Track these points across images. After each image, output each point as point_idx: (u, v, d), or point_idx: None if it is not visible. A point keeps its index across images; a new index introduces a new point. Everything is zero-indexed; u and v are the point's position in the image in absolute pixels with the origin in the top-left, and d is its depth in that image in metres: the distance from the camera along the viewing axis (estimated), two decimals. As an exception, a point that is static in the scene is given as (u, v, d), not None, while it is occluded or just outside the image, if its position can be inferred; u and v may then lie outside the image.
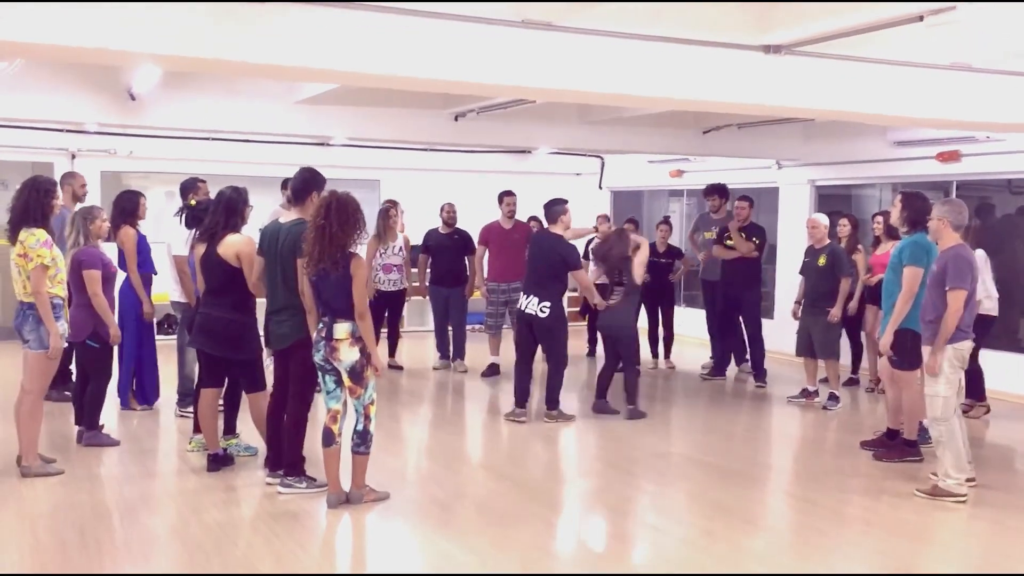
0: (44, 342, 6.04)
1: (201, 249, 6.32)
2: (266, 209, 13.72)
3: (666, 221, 11.45)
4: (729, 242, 10.02)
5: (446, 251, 10.59)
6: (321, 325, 5.52)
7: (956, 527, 5.71)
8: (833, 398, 8.86)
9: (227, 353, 6.28)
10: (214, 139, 11.93)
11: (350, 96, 8.78)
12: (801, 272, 9.22)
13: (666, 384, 10.36)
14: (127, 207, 7.81)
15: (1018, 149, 9.36)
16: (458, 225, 10.73)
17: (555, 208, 8.26)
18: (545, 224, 8.53)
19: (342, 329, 5.43)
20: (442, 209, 10.76)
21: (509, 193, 10.48)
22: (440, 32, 5.01)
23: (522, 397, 8.15)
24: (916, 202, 6.77)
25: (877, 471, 6.77)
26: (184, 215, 7.25)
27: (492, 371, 10.16)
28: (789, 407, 9.03)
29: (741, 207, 10.02)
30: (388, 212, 10.22)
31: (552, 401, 8.19)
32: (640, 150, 12.35)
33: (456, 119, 10.01)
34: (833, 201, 12.18)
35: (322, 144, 12.82)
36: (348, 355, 5.45)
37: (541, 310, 8.03)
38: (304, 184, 6.06)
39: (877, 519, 5.78)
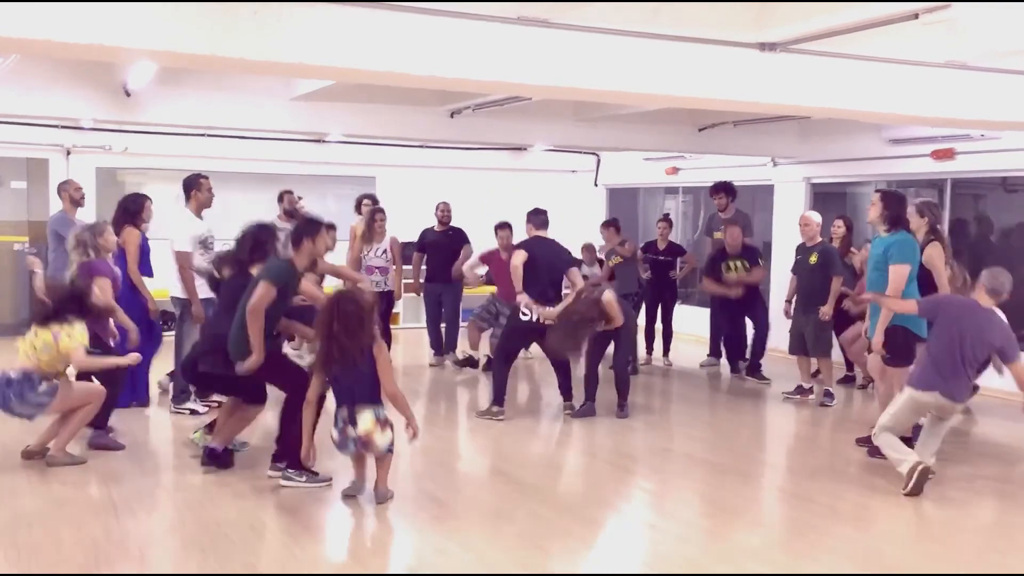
0: (43, 405, 6.12)
1: (227, 272, 6.50)
2: (262, 205, 13.76)
3: (666, 219, 11.45)
4: (732, 273, 10.02)
5: (441, 249, 10.63)
6: (338, 419, 5.50)
7: (951, 524, 5.73)
8: (828, 395, 8.88)
9: (228, 369, 6.13)
10: (209, 135, 11.92)
11: (346, 92, 8.78)
12: (793, 270, 9.24)
13: (663, 381, 10.37)
14: (131, 208, 7.89)
15: (1012, 147, 9.38)
16: (453, 223, 10.76)
17: (545, 216, 8.42)
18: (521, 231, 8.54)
19: (367, 419, 5.40)
20: (437, 208, 10.78)
21: (504, 227, 10.42)
22: (436, 29, 5.01)
23: (502, 396, 8.15)
24: (894, 201, 6.86)
25: (872, 467, 6.80)
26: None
27: (470, 363, 10.36)
28: (784, 404, 9.05)
29: (733, 234, 10.01)
30: (375, 215, 10.23)
31: (571, 396, 8.33)
32: (636, 147, 12.36)
33: (452, 116, 10.01)
34: (828, 199, 12.20)
35: (318, 140, 12.82)
36: (383, 439, 5.49)
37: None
38: (297, 233, 6.16)
39: (872, 515, 5.81)
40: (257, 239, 6.45)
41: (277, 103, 9.20)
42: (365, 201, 10.69)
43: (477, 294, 14.06)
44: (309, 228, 6.17)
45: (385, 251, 10.22)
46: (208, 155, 12.56)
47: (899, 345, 6.67)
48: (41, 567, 4.66)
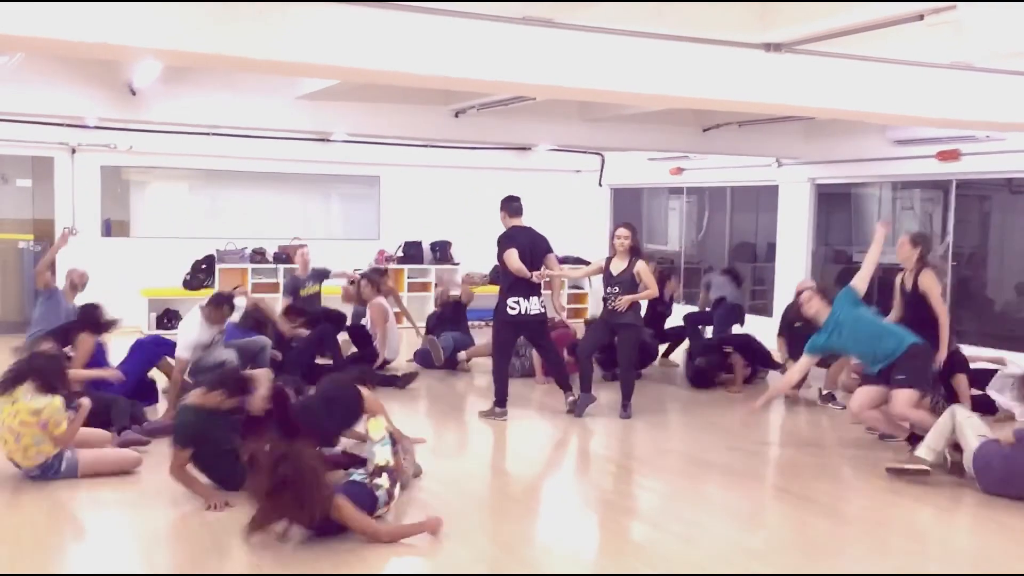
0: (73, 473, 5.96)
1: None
2: (265, 204, 13.79)
3: (672, 276, 11.34)
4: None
5: (446, 322, 10.70)
6: None
7: (954, 525, 5.72)
8: (831, 397, 8.87)
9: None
10: (214, 134, 11.95)
11: (351, 92, 8.78)
12: (786, 336, 9.18)
13: (665, 382, 10.35)
14: (90, 317, 7.78)
15: (1018, 148, 9.38)
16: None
17: (520, 203, 8.24)
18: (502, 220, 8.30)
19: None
20: (436, 291, 10.97)
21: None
22: (441, 28, 5.01)
23: (504, 397, 8.12)
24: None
25: (875, 469, 6.78)
26: None
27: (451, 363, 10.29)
28: (784, 404, 9.03)
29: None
30: (358, 284, 10.32)
31: (570, 387, 8.29)
32: (640, 147, 12.37)
33: (456, 115, 10.02)
34: (833, 199, 12.20)
35: (322, 140, 12.84)
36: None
37: (542, 306, 8.09)
38: (219, 380, 5.69)
39: (874, 516, 5.79)
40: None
41: (282, 102, 9.22)
42: (378, 277, 10.54)
43: (483, 293, 14.09)
44: (235, 386, 5.59)
45: (366, 314, 10.30)
46: (213, 154, 12.60)
47: (919, 367, 6.60)
48: (41, 566, 4.67)
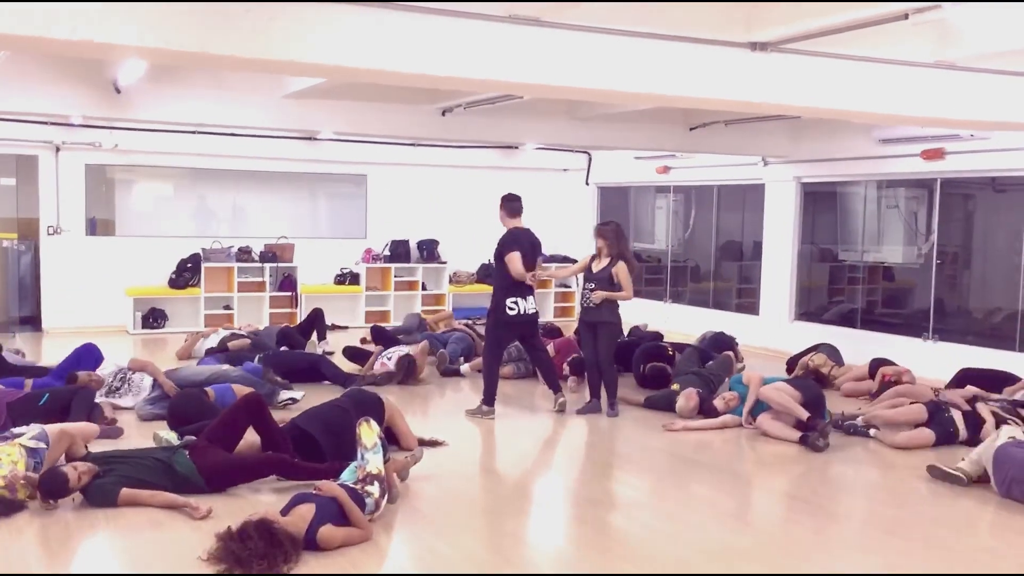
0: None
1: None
2: (252, 203, 13.75)
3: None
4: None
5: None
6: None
7: (949, 526, 5.73)
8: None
9: None
10: (200, 133, 11.91)
11: (337, 90, 8.77)
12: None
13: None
14: None
15: (1001, 147, 9.43)
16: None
17: (520, 202, 8.23)
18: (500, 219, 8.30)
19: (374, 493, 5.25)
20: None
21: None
22: (428, 27, 5.01)
23: (493, 395, 8.13)
24: None
25: (866, 468, 6.82)
26: None
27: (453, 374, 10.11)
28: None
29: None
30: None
31: (559, 387, 8.38)
32: (627, 146, 12.38)
33: (443, 114, 10.01)
34: (818, 198, 12.24)
35: (309, 138, 12.82)
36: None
37: (535, 306, 8.17)
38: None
39: (867, 517, 5.82)
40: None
41: (268, 101, 9.18)
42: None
43: (470, 292, 14.11)
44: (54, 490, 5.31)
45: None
46: (198, 152, 12.56)
47: None
48: (29, 567, 4.64)
